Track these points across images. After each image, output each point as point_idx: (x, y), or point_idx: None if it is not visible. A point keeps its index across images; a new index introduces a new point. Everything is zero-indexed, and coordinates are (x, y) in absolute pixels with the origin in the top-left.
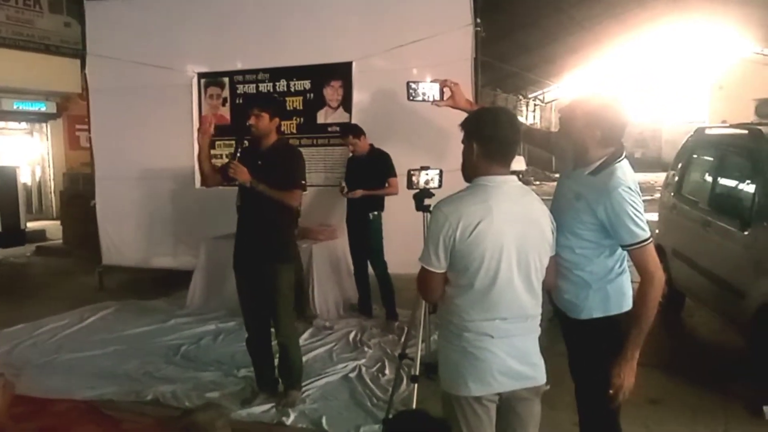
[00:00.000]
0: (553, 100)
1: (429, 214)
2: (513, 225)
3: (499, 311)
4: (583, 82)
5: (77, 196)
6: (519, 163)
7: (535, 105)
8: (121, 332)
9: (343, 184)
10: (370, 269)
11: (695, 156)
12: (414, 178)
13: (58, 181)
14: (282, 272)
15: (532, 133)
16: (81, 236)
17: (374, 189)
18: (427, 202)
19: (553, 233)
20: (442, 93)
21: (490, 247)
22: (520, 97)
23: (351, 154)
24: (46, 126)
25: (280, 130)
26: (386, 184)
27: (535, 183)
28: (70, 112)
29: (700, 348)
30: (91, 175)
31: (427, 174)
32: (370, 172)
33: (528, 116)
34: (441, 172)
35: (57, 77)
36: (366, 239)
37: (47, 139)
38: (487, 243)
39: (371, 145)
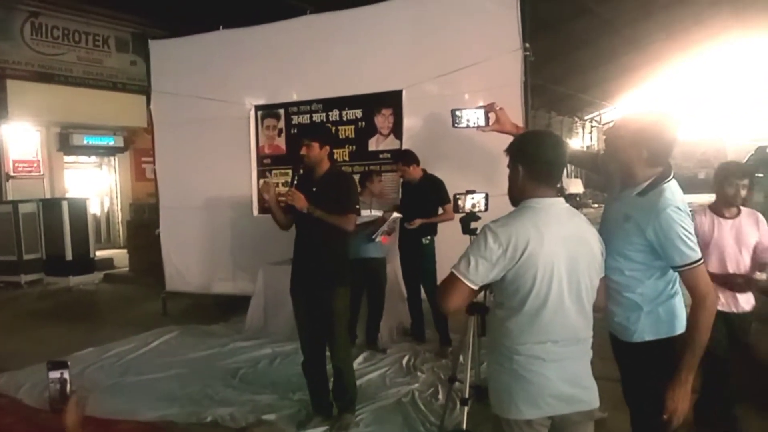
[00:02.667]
0: (610, 122)
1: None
2: (563, 246)
3: (551, 334)
4: (640, 102)
5: (143, 225)
6: (576, 186)
7: (591, 126)
8: (183, 356)
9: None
10: (423, 294)
11: (758, 175)
12: (460, 202)
13: (125, 212)
14: (338, 296)
15: (578, 156)
16: (146, 264)
17: (430, 217)
18: (473, 225)
19: (602, 254)
20: (487, 118)
21: (540, 269)
22: (576, 119)
23: (403, 180)
24: (114, 159)
25: (332, 158)
26: (441, 210)
27: (593, 206)
28: (137, 146)
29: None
30: (155, 205)
31: (473, 198)
32: (424, 198)
33: (584, 138)
34: (487, 195)
35: (124, 113)
36: (419, 264)
37: (115, 172)
38: (538, 265)
39: (424, 171)
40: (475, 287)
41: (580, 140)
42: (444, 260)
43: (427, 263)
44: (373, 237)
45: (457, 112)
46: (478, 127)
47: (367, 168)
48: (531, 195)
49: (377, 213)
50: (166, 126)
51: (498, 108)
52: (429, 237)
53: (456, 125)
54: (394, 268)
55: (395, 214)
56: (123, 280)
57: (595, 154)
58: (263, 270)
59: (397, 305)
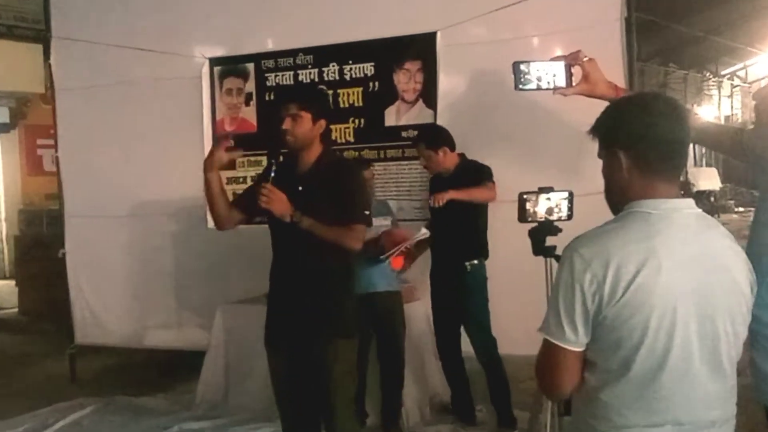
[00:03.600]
0: (762, 79)
1: (554, 260)
2: (690, 276)
3: (672, 411)
4: None
5: (39, 243)
6: (709, 179)
7: (732, 86)
8: None
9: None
10: (465, 347)
11: None
12: (529, 206)
13: (11, 222)
14: (339, 352)
15: (711, 132)
16: (44, 302)
17: (472, 226)
18: (550, 241)
19: (752, 288)
20: (569, 76)
21: (656, 310)
22: (708, 74)
23: (429, 173)
24: None
25: (327, 139)
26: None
27: (736, 210)
28: (29, 122)
29: None
30: (58, 213)
31: (548, 199)
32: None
33: (721, 104)
34: (571, 195)
35: (9, 71)
36: (460, 302)
37: None
38: (652, 304)
39: (461, 156)
40: (581, 348)
41: (715, 107)
42: (495, 297)
43: (474, 300)
44: (383, 257)
45: (523, 67)
46: (556, 88)
47: (383, 153)
48: (640, 194)
49: (383, 222)
50: (74, 92)
51: (586, 59)
52: (476, 261)
53: (521, 86)
54: (425, 308)
55: (423, 230)
56: (9, 328)
57: (739, 130)
58: (222, 311)
59: (429, 366)
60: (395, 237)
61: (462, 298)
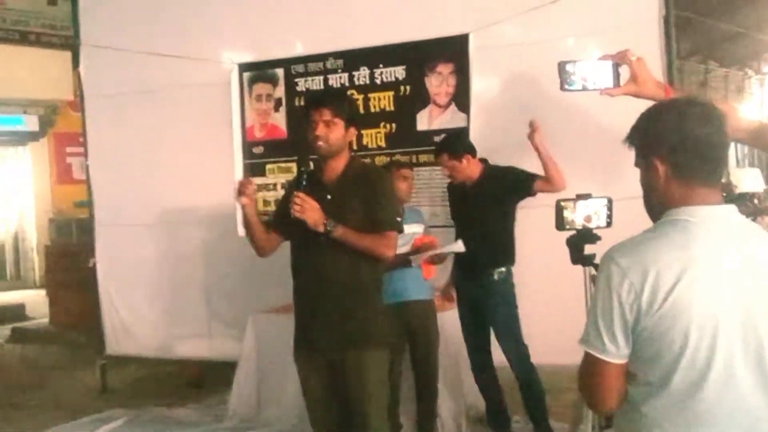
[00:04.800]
0: None
1: (593, 269)
2: (734, 284)
3: (715, 425)
4: None
5: (69, 252)
6: (753, 180)
7: None
8: None
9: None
10: (499, 357)
11: None
12: (566, 214)
13: (41, 231)
14: (371, 363)
15: (758, 131)
16: (75, 313)
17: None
18: (589, 249)
19: None
20: (617, 75)
21: (697, 320)
22: (749, 72)
23: (453, 181)
24: (24, 150)
25: (352, 147)
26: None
27: None
28: (59, 130)
29: None
30: (88, 222)
31: (587, 206)
32: (486, 203)
33: (764, 102)
34: (610, 202)
35: (38, 79)
36: (489, 312)
37: (25, 170)
38: (693, 314)
39: (485, 163)
40: (623, 360)
41: (757, 106)
42: (530, 307)
43: (502, 309)
44: (412, 260)
45: (569, 67)
46: (603, 90)
47: (414, 158)
48: (679, 202)
49: (416, 229)
50: (103, 99)
51: (634, 58)
52: (503, 269)
53: (567, 86)
54: (456, 320)
55: (459, 243)
56: (40, 338)
57: None
58: (254, 321)
59: (466, 377)
60: (426, 244)
61: (490, 308)
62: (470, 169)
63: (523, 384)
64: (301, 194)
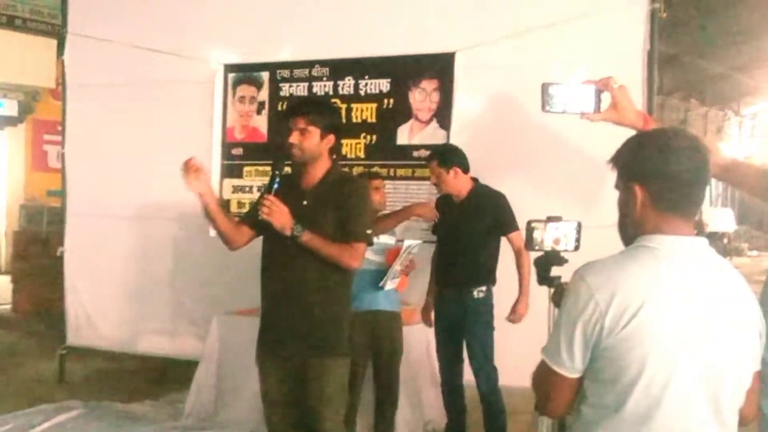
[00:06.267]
0: None
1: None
2: (696, 316)
3: None
4: None
5: (38, 239)
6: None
7: (753, 126)
8: None
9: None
10: (467, 377)
11: None
12: (536, 234)
13: (12, 216)
14: (331, 371)
15: (738, 170)
16: (39, 300)
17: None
18: (555, 271)
19: (762, 335)
20: (598, 101)
21: (657, 347)
22: (729, 113)
23: (438, 192)
24: (1, 134)
25: (334, 154)
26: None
27: (749, 254)
28: (38, 116)
29: None
30: (60, 210)
31: (557, 228)
32: (471, 223)
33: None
34: (579, 225)
35: (22, 65)
36: (467, 330)
37: (1, 155)
38: (654, 340)
39: (475, 181)
40: (576, 375)
41: (735, 145)
42: (501, 326)
43: (480, 330)
44: (381, 284)
45: (552, 89)
46: (583, 114)
47: (392, 171)
48: (653, 230)
49: (388, 240)
50: (85, 90)
51: (616, 86)
52: (484, 288)
53: (548, 108)
54: (425, 333)
55: (410, 242)
56: (0, 325)
57: (763, 170)
58: (218, 321)
59: (426, 391)
60: (393, 255)
61: (468, 326)
62: (458, 183)
63: (486, 404)
64: (270, 197)
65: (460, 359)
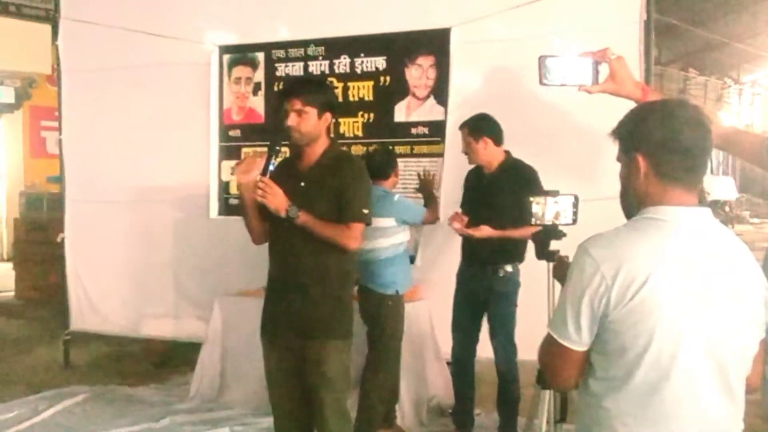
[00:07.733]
0: None
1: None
2: (701, 287)
3: (676, 424)
4: None
5: (38, 226)
6: (725, 189)
7: (754, 95)
8: None
9: (459, 211)
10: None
11: None
12: (536, 209)
13: (12, 204)
14: (332, 353)
15: (738, 140)
16: (41, 287)
17: (509, 228)
18: (554, 245)
19: (766, 304)
20: (596, 73)
21: (664, 318)
22: (728, 81)
23: (469, 163)
24: None
25: (334, 132)
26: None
27: (751, 221)
28: (34, 103)
29: None
30: (59, 196)
31: (556, 202)
32: (499, 197)
33: (741, 111)
34: (576, 199)
35: (17, 50)
36: (490, 307)
37: None
38: (660, 313)
39: (507, 154)
40: (583, 348)
41: (734, 115)
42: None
43: (505, 309)
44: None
45: (549, 61)
46: (581, 86)
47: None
48: (656, 200)
49: (388, 224)
50: (81, 75)
51: (614, 57)
52: (510, 266)
53: (545, 81)
54: (428, 308)
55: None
56: (4, 311)
57: (762, 139)
58: (221, 303)
59: (431, 368)
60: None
61: (493, 304)
62: (488, 154)
63: (503, 381)
64: (265, 179)
65: (476, 336)
